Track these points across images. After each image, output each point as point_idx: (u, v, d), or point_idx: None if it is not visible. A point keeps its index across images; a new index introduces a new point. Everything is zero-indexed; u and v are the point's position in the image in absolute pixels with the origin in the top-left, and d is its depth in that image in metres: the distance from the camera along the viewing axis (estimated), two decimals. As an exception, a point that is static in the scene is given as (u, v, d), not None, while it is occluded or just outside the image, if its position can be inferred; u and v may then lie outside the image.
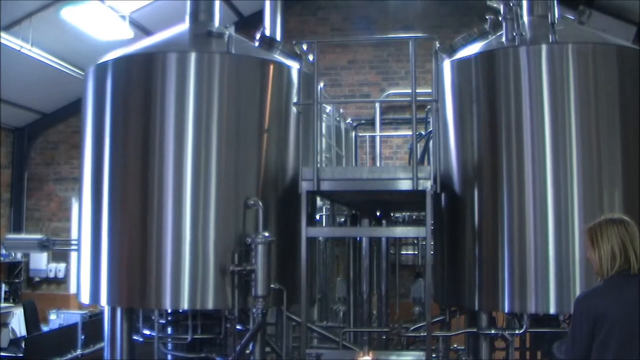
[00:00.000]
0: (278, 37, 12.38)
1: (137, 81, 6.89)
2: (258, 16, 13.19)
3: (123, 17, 12.16)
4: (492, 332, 6.61)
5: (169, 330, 7.01)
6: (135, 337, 6.92)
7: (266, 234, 6.44)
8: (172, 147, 6.59)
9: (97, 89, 7.07)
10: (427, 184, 6.44)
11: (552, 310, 6.30)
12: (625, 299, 4.23)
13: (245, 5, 15.08)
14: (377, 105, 14.51)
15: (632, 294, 4.23)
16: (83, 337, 10.32)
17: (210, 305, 6.52)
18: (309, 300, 7.47)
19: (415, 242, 12.68)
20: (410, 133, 6.99)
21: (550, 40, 6.48)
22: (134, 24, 12.63)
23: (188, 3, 7.59)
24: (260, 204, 6.55)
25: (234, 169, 6.73)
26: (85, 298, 6.97)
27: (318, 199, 8.27)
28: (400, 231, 8.47)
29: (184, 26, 7.51)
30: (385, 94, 14.81)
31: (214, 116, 6.72)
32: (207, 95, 6.73)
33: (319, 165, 6.73)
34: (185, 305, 6.48)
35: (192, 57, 6.77)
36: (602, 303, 4.25)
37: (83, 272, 6.97)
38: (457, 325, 7.34)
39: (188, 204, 6.51)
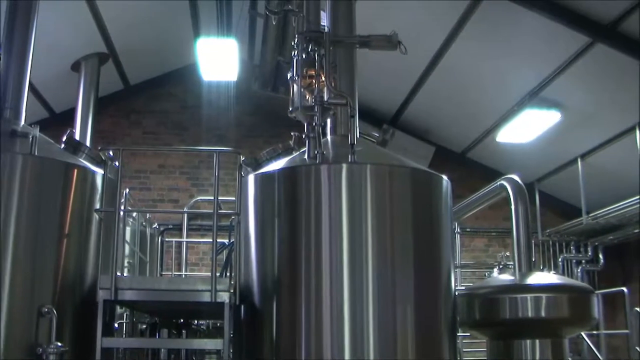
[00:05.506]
0: (88, 137, 12.26)
1: None
2: (70, 114, 13.04)
3: None
4: None
5: None
6: None
7: (59, 343, 6.21)
8: (-37, 249, 6.30)
9: None
10: (225, 297, 6.50)
11: None
12: None
13: (57, 102, 14.87)
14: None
15: None
16: None
17: (-7, 421, 6.16)
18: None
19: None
20: (219, 240, 7.09)
21: (350, 160, 6.77)
22: None
23: (-6, 98, 7.42)
24: (55, 312, 6.33)
25: (29, 274, 6.49)
26: None
27: (118, 307, 8.09)
28: (197, 343, 8.46)
29: (-12, 122, 7.30)
30: (194, 200, 14.89)
31: (11, 219, 6.49)
32: (6, 197, 6.50)
33: (118, 274, 6.65)
34: (-37, 423, 6.08)
35: (-8, 156, 6.58)
36: None
37: None
38: None
39: (-25, 311, 6.18)
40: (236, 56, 13.16)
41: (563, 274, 15.79)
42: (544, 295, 7.35)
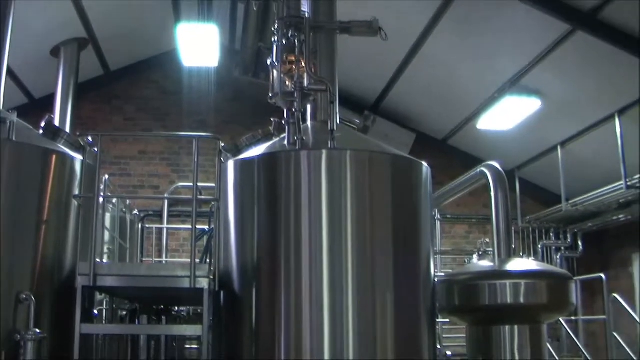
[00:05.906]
0: (68, 123, 12.16)
1: None
2: (50, 99, 12.95)
3: None
4: None
5: None
6: None
7: (38, 330, 6.20)
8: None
9: None
10: (204, 283, 6.49)
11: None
12: None
13: (37, 87, 14.74)
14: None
15: None
16: None
17: (-28, 408, 6.13)
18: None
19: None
20: (198, 227, 7.08)
21: (330, 146, 6.76)
22: None
23: (-29, 84, 7.37)
24: (33, 298, 6.30)
25: (8, 261, 6.46)
26: None
27: (98, 293, 8.07)
28: (177, 329, 8.47)
29: (-36, 109, 7.25)
30: (174, 186, 14.83)
31: (-11, 205, 6.46)
32: (-16, 183, 6.49)
33: (97, 260, 6.63)
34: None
35: (-30, 142, 6.53)
36: None
37: None
38: None
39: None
40: (217, 42, 13.08)
41: (542, 260, 15.90)
42: (523, 282, 7.37)
